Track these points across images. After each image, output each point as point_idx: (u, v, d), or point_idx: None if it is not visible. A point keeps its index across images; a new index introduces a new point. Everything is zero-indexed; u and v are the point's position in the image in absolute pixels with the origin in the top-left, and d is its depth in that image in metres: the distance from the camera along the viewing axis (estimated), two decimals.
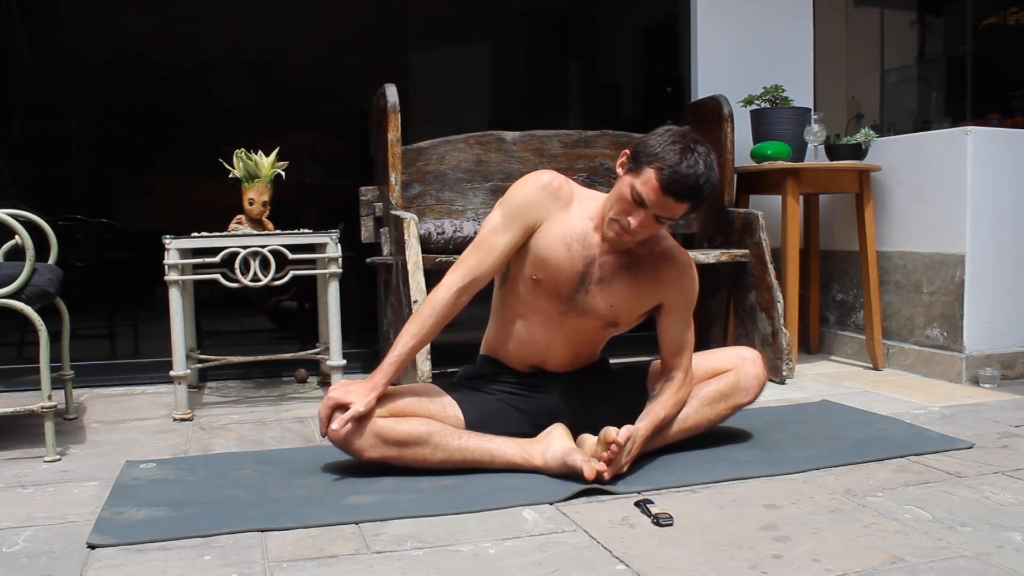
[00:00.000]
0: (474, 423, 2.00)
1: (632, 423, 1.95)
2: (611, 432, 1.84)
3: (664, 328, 2.05)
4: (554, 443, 1.94)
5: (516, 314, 2.05)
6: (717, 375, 2.13)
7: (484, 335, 2.18)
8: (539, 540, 1.57)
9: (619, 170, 1.92)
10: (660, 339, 2.06)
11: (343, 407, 1.89)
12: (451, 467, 1.93)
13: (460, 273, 1.96)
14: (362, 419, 1.88)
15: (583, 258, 1.95)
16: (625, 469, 1.88)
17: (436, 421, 1.95)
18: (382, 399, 1.92)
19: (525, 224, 1.95)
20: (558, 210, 1.96)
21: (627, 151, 1.91)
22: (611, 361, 2.25)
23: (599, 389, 2.14)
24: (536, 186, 1.96)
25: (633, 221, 1.85)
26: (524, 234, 1.96)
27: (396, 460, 1.91)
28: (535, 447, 1.95)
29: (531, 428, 2.04)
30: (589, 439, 1.93)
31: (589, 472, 1.83)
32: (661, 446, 2.04)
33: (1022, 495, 1.79)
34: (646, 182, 1.82)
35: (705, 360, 2.14)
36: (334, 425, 1.88)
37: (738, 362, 2.14)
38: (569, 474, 1.87)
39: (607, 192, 1.98)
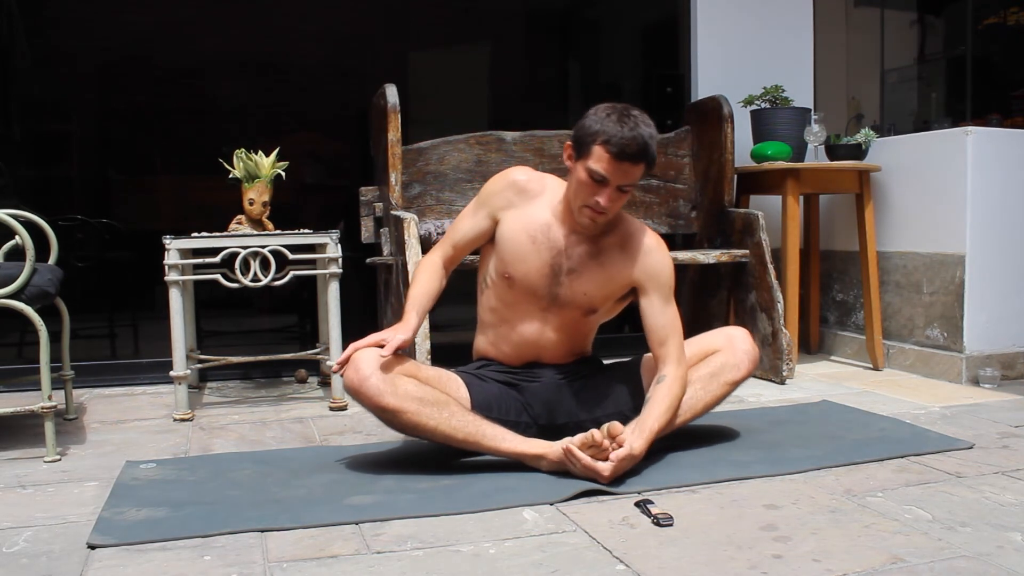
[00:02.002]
0: (478, 405, 2.02)
1: (628, 415, 1.98)
2: (617, 427, 1.85)
3: (645, 313, 2.06)
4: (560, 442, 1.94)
5: (501, 319, 2.12)
6: (707, 357, 2.14)
7: (474, 343, 2.22)
8: (539, 540, 1.57)
9: (567, 163, 2.00)
10: (645, 326, 2.07)
11: (379, 345, 1.89)
12: (459, 437, 1.91)
13: (440, 246, 2.16)
14: (387, 365, 1.88)
15: (549, 250, 2.03)
16: (608, 474, 1.83)
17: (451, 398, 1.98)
18: (402, 363, 1.94)
19: (489, 211, 2.09)
20: (521, 203, 2.07)
21: (568, 142, 1.99)
22: (608, 363, 2.26)
23: (594, 382, 2.16)
24: (505, 178, 2.10)
25: (602, 199, 1.92)
26: (489, 220, 2.09)
27: (411, 415, 1.88)
28: (540, 441, 1.96)
29: (528, 417, 2.08)
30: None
31: (599, 435, 1.81)
32: (660, 437, 2.04)
33: (1022, 495, 1.79)
34: (599, 159, 1.89)
35: (694, 344, 2.16)
36: (385, 350, 1.88)
37: (726, 341, 2.16)
38: (569, 454, 1.86)
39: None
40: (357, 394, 1.88)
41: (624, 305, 2.16)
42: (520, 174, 2.10)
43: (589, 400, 2.11)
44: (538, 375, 2.13)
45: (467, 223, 2.13)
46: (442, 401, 1.92)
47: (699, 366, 2.12)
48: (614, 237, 2.06)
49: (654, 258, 2.07)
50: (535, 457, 1.92)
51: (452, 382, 2.05)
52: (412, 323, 1.99)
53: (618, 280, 2.07)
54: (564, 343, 2.13)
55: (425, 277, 2.10)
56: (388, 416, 1.90)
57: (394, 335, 1.92)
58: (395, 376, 1.89)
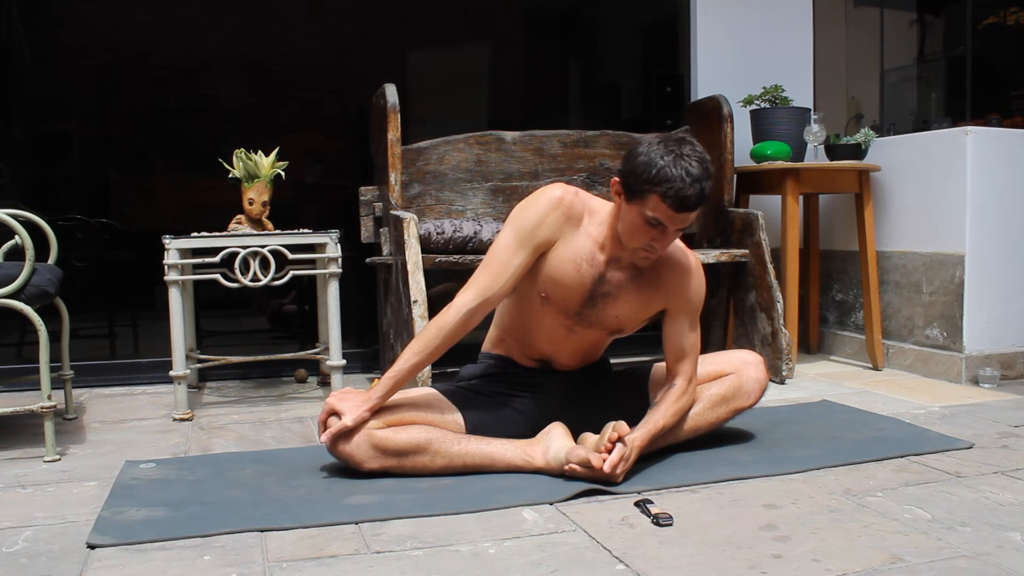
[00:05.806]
0: (475, 427, 2.00)
1: (632, 427, 1.95)
2: (623, 426, 1.85)
3: (669, 333, 2.03)
4: (554, 443, 1.94)
5: (522, 324, 2.07)
6: (719, 378, 2.13)
7: (487, 334, 2.19)
8: (539, 540, 1.57)
9: (615, 198, 1.89)
10: (665, 344, 2.04)
11: (337, 414, 1.89)
12: (452, 472, 1.93)
13: (471, 295, 1.92)
14: (357, 431, 1.88)
15: (592, 277, 1.96)
16: (620, 480, 1.86)
17: (435, 427, 1.94)
18: (380, 411, 1.91)
19: (536, 244, 1.93)
20: (570, 230, 1.94)
21: (617, 179, 1.87)
22: (612, 361, 2.25)
23: (599, 392, 2.14)
24: (548, 205, 1.93)
25: (659, 245, 1.87)
26: (536, 254, 1.94)
27: (396, 470, 1.91)
28: (535, 448, 1.95)
29: (530, 431, 2.04)
30: (591, 437, 1.93)
31: (598, 462, 1.82)
32: (660, 448, 2.04)
33: (1022, 495, 1.79)
34: (656, 208, 1.80)
35: (707, 363, 2.14)
36: (322, 437, 1.90)
37: (740, 366, 2.14)
38: (572, 473, 1.87)
39: (610, 198, 1.97)
40: (344, 463, 1.93)
41: (647, 323, 2.11)
42: (564, 196, 1.93)
43: (593, 416, 2.02)
44: (544, 384, 2.10)
45: (512, 261, 1.92)
46: (422, 445, 1.90)
47: (710, 385, 2.11)
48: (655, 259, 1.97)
49: (692, 283, 2.02)
50: (534, 470, 1.93)
51: (435, 411, 1.98)
52: (374, 397, 1.89)
53: (653, 305, 2.02)
54: (579, 356, 2.10)
55: (435, 339, 1.91)
56: (379, 473, 1.91)
57: (348, 410, 1.87)
58: (370, 437, 1.88)
